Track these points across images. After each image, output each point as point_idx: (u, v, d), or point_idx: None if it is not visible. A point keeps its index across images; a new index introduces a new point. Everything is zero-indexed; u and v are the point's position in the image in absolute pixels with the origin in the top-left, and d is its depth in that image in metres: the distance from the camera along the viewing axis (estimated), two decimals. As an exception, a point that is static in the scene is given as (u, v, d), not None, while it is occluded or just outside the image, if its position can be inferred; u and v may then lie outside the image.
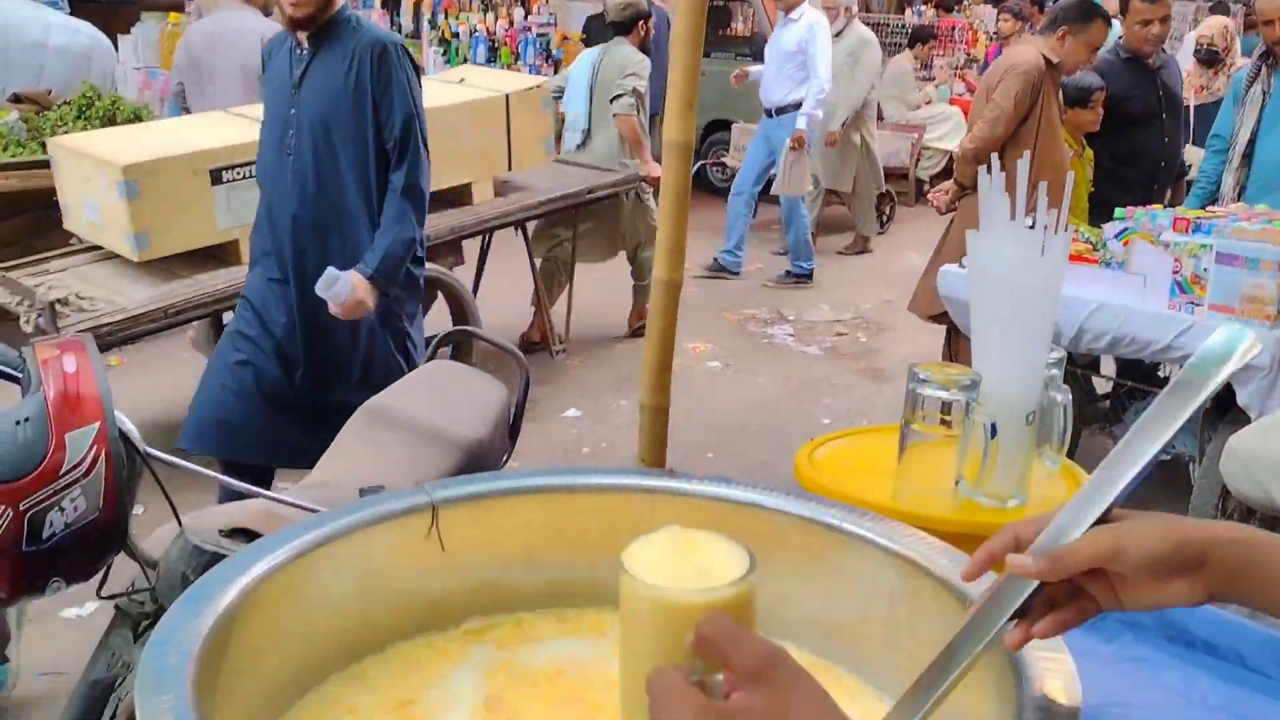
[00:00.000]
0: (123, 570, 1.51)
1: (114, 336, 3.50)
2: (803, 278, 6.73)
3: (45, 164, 4.28)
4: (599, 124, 5.45)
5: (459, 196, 4.54)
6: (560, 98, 5.58)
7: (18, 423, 1.30)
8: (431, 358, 2.81)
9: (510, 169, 4.77)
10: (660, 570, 0.72)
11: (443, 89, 4.69)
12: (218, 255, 3.81)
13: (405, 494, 1.13)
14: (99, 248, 3.88)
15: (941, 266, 3.77)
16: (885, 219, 8.48)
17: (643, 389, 1.55)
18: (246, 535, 1.47)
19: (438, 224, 4.21)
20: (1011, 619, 0.77)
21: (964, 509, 1.45)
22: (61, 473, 1.30)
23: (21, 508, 1.27)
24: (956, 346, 4.10)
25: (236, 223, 3.71)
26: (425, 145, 2.90)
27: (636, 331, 5.54)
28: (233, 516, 1.59)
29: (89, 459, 1.33)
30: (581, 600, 1.15)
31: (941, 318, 4.13)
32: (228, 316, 3.58)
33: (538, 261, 5.30)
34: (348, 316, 2.81)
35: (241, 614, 0.90)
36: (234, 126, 3.91)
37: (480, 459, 2.37)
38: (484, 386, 2.65)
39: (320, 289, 2.73)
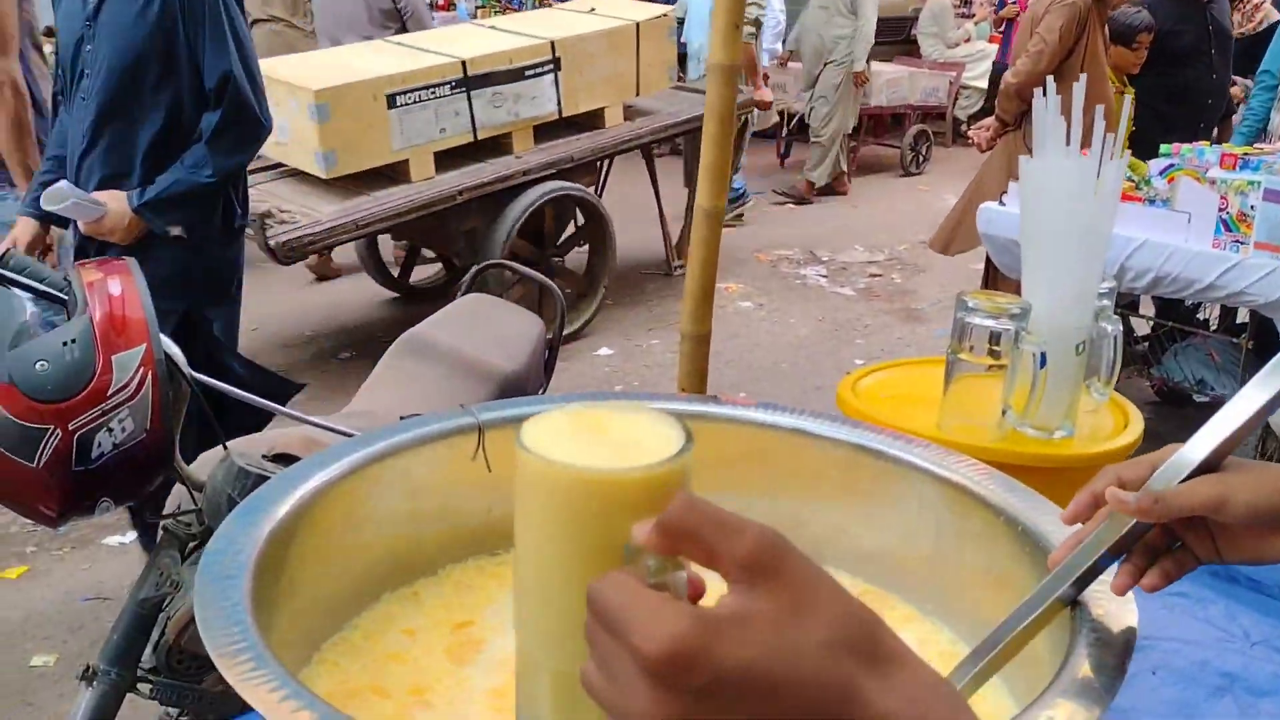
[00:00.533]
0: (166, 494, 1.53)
1: (313, 246, 3.97)
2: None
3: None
4: None
5: (592, 121, 4.82)
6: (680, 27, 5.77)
7: (65, 344, 1.31)
8: (468, 291, 2.81)
9: (638, 94, 4.98)
10: (571, 449, 0.54)
11: (577, 19, 4.97)
12: (389, 174, 4.22)
13: (451, 414, 1.13)
14: (279, 166, 4.31)
15: (980, 204, 3.72)
16: (921, 158, 8.36)
17: (684, 318, 1.54)
18: (288, 461, 1.48)
19: (578, 145, 4.65)
20: (1107, 564, 0.76)
21: (1010, 439, 1.43)
22: (109, 394, 1.31)
23: (70, 428, 1.28)
24: (995, 286, 4.06)
25: (407, 144, 4.17)
26: (250, 96, 2.46)
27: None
28: (276, 442, 1.61)
29: (135, 381, 1.33)
30: (629, 525, 1.14)
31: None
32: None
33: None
34: (93, 234, 2.45)
35: (294, 529, 0.91)
36: (397, 55, 4.35)
37: (516, 392, 2.37)
38: (520, 320, 2.64)
39: (46, 202, 2.33)
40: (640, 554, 0.47)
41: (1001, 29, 9.46)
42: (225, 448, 1.46)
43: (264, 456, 1.49)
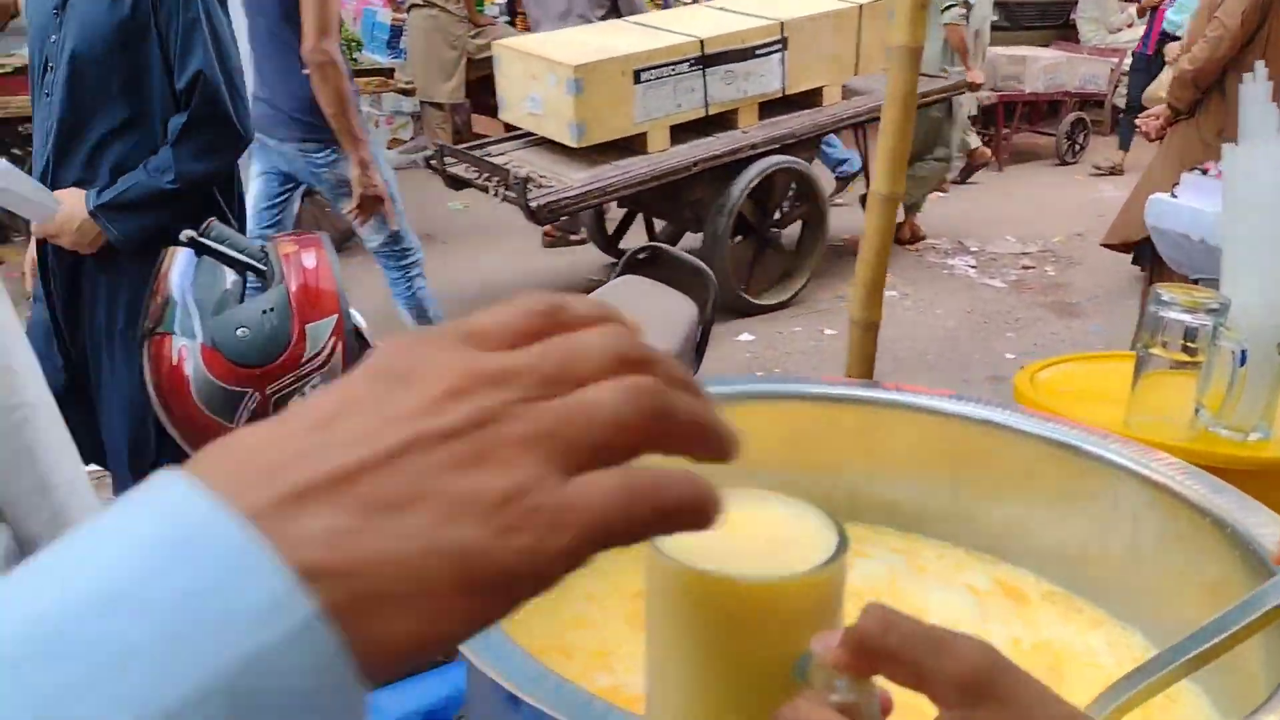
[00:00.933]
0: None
1: (567, 209, 4.34)
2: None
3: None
4: (928, 33, 5.58)
5: (811, 99, 5.05)
6: None
7: (264, 312, 1.38)
8: (622, 274, 2.84)
9: (856, 74, 5.17)
10: (714, 550, 0.43)
11: (802, 0, 5.17)
12: (629, 146, 4.55)
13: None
14: (528, 135, 4.69)
15: (1150, 195, 3.55)
16: (1078, 147, 8.05)
17: (853, 305, 1.52)
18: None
19: (800, 122, 4.90)
20: None
21: (1201, 439, 1.37)
22: (303, 361, 1.37)
23: (268, 392, 1.35)
24: (1161, 280, 3.88)
25: (648, 118, 4.53)
26: (224, 100, 2.15)
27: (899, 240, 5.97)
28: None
29: (327, 350, 1.39)
30: (806, 509, 1.14)
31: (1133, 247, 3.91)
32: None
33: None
34: (44, 236, 2.20)
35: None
36: (641, 34, 4.69)
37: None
38: (674, 303, 2.66)
39: None
40: (821, 671, 0.41)
41: (1145, 18, 9.00)
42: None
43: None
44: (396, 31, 6.77)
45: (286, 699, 0.25)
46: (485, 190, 4.42)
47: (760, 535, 0.47)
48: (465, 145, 4.95)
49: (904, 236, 5.87)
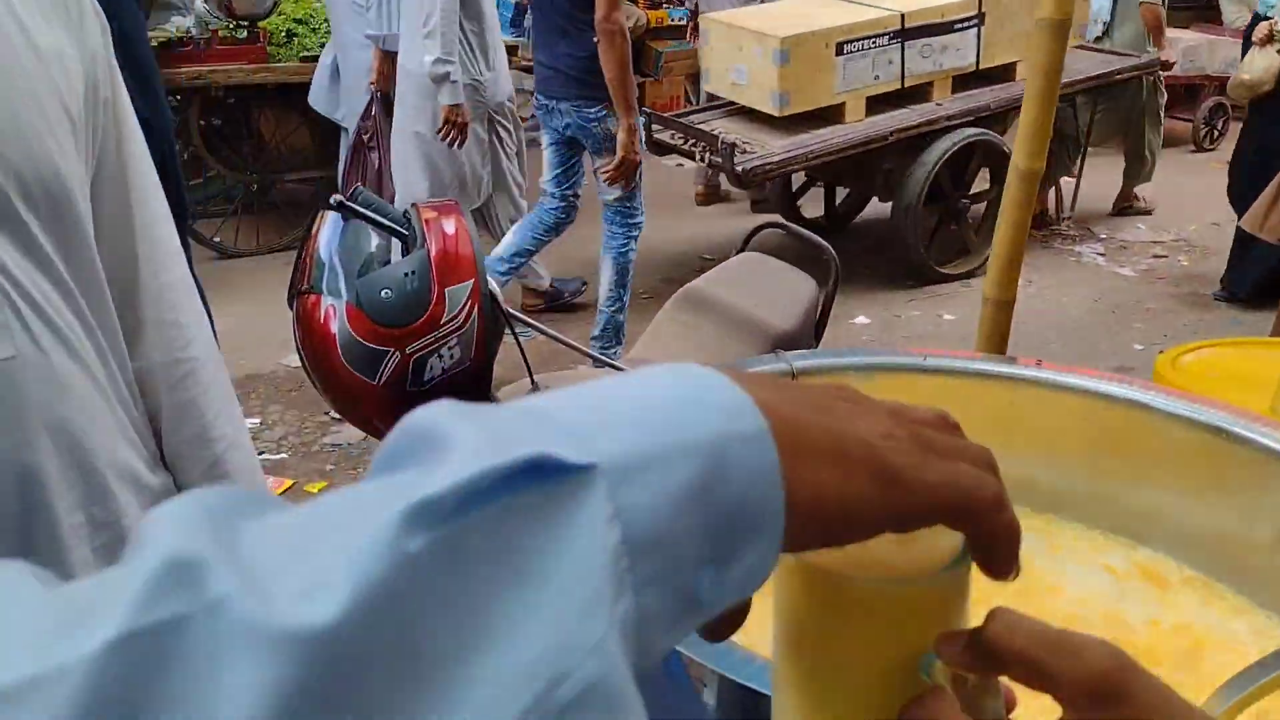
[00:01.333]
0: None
1: (769, 174, 4.64)
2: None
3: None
4: (1123, 16, 5.64)
5: (1004, 74, 5.16)
6: None
7: (406, 275, 1.42)
8: (742, 250, 2.84)
9: None
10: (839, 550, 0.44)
11: None
12: (825, 115, 4.73)
13: (765, 359, 1.16)
14: (730, 104, 4.97)
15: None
16: (1216, 133, 7.70)
17: (988, 283, 1.50)
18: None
19: (994, 95, 5.02)
20: None
21: (1356, 432, 1.31)
22: (442, 323, 1.42)
23: (408, 351, 1.40)
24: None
25: (847, 88, 4.71)
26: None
27: (1121, 211, 6.04)
28: (578, 379, 1.69)
29: (464, 313, 1.44)
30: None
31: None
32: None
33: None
34: None
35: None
36: (842, 8, 4.87)
37: (788, 351, 2.38)
38: (795, 280, 2.65)
39: None
40: (947, 673, 0.42)
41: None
42: (534, 384, 1.55)
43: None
44: (521, 10, 6.86)
45: (735, 488, 0.34)
46: (690, 156, 4.74)
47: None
48: (671, 114, 5.30)
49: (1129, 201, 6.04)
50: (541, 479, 0.30)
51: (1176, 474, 1.06)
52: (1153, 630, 0.96)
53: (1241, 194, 4.52)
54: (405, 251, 1.50)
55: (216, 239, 5.22)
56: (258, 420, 3.59)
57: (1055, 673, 0.40)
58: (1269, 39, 4.40)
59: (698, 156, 4.68)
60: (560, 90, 3.81)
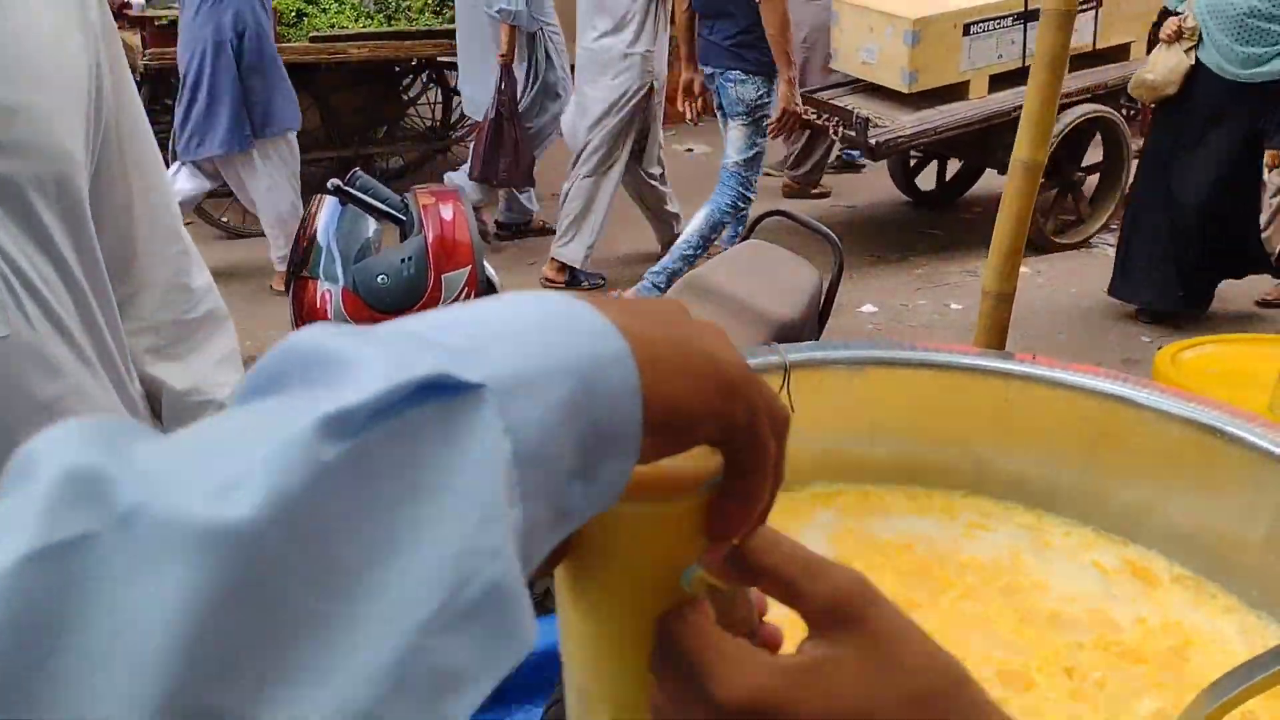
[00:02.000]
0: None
1: (899, 147, 4.98)
2: None
3: (392, 35, 4.59)
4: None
5: (1118, 54, 5.37)
6: None
7: (403, 261, 1.42)
8: (746, 237, 2.83)
9: None
10: None
11: None
12: (949, 92, 4.99)
13: (759, 350, 1.15)
14: (857, 81, 5.22)
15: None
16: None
17: (988, 274, 1.49)
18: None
19: (1109, 73, 5.21)
20: None
21: (1354, 432, 1.30)
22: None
23: (404, 338, 1.40)
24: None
25: (971, 67, 4.99)
26: None
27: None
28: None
29: (461, 299, 1.43)
30: (931, 479, 1.13)
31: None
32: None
33: None
34: None
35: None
36: None
37: (791, 339, 2.38)
38: (798, 269, 2.65)
39: None
40: (704, 583, 0.44)
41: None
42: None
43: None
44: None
45: (603, 406, 0.36)
46: (824, 130, 5.03)
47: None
48: (804, 90, 5.48)
49: None
50: (438, 395, 0.32)
51: (1169, 472, 1.06)
52: (1140, 628, 0.96)
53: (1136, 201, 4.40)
54: (403, 237, 1.50)
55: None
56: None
57: (802, 591, 0.42)
58: (1177, 36, 4.03)
59: (830, 131, 4.96)
60: (714, 60, 4.25)
